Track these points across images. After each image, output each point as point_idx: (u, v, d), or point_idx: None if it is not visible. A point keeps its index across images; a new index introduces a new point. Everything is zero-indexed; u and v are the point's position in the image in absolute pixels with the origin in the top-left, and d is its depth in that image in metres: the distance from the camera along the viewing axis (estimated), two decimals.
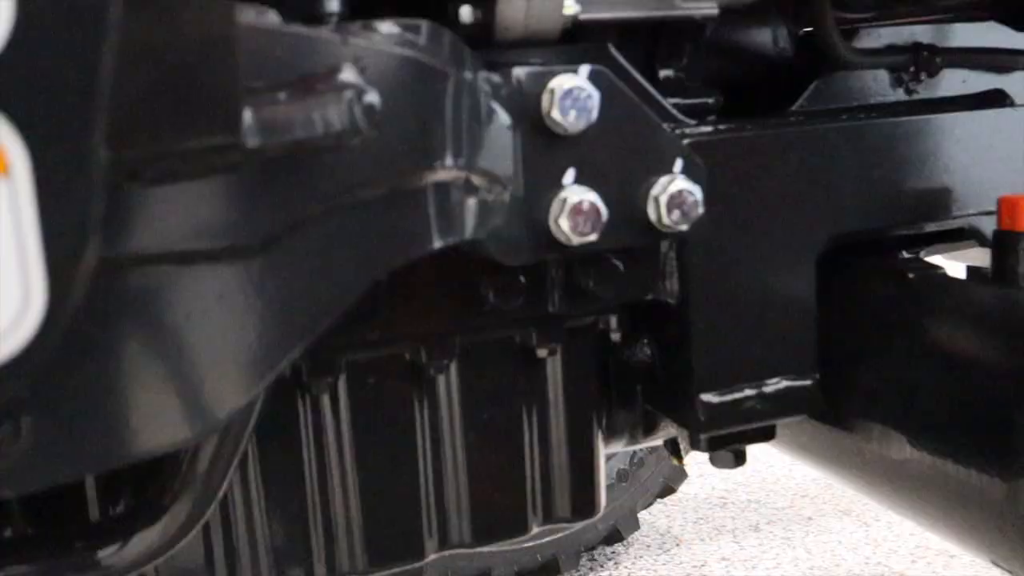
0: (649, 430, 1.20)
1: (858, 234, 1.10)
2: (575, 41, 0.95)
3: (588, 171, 0.91)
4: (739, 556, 3.24)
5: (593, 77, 0.89)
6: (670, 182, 0.92)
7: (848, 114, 1.08)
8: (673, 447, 1.33)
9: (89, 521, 0.97)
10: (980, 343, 1.00)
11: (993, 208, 1.10)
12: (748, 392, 1.06)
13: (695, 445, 1.11)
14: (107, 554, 0.85)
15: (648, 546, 3.35)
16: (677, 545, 3.35)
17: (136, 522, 0.87)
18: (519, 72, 0.88)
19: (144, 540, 0.86)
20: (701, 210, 0.93)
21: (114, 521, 0.93)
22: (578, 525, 2.07)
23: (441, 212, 0.82)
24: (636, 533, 3.23)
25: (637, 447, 1.36)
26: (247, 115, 0.63)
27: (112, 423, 0.64)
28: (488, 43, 0.91)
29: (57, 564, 0.84)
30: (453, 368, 1.05)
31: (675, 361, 1.09)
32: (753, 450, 1.17)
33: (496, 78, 0.87)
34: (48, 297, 0.55)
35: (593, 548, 3.15)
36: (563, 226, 0.89)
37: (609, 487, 2.99)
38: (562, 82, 0.87)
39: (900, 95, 1.20)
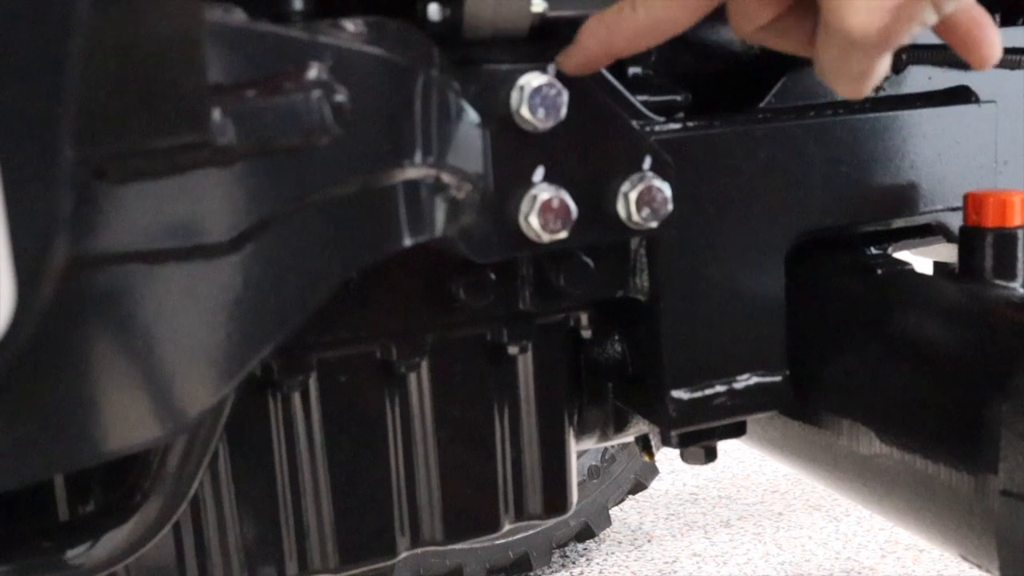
0: (620, 427, 1.20)
1: (826, 230, 1.11)
2: (543, 38, 0.95)
3: (557, 169, 0.91)
4: (710, 552, 3.26)
5: (562, 75, 0.89)
6: (639, 179, 0.93)
7: (815, 111, 1.09)
8: (644, 443, 1.33)
9: (58, 520, 0.97)
10: (947, 338, 1.01)
11: (960, 204, 1.11)
12: (718, 388, 1.07)
13: (666, 441, 1.12)
14: (76, 554, 0.85)
15: (620, 542, 3.35)
16: (648, 541, 3.36)
17: (106, 521, 0.86)
18: (488, 70, 0.88)
19: (114, 539, 0.86)
20: (670, 207, 0.94)
21: (83, 520, 0.92)
22: (550, 522, 2.07)
23: (411, 210, 0.82)
24: (608, 529, 3.23)
25: (608, 444, 1.36)
26: (215, 113, 0.63)
27: (82, 423, 0.64)
28: (456, 41, 0.91)
29: (25, 564, 0.83)
30: (424, 366, 1.05)
31: (645, 358, 1.09)
32: (724, 446, 1.17)
33: (465, 76, 0.87)
34: (16, 297, 0.55)
35: (565, 544, 3.15)
36: (533, 224, 0.89)
37: (581, 484, 2.99)
38: (531, 80, 0.87)
39: None
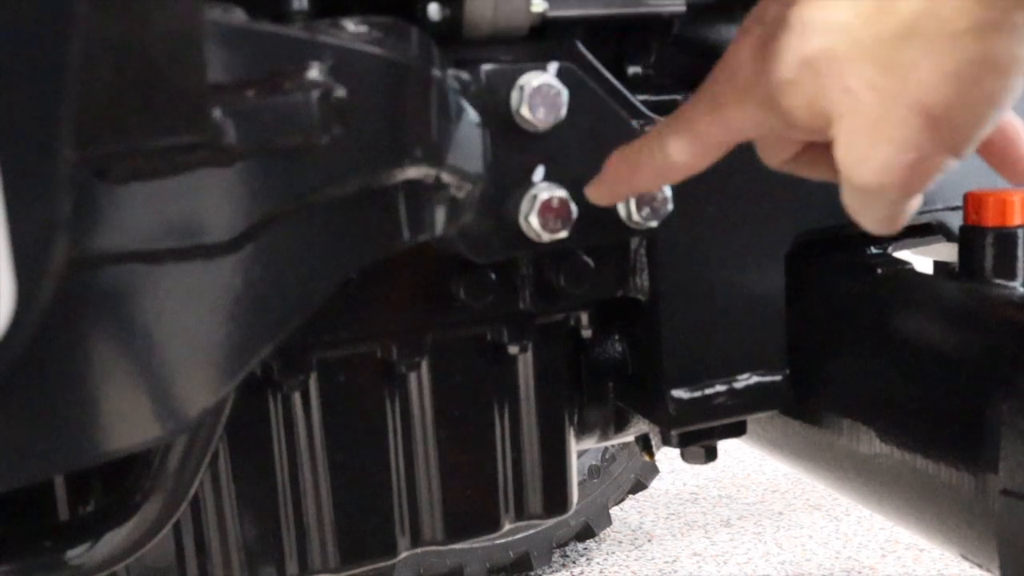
0: (620, 426, 1.20)
1: (826, 230, 1.11)
2: (543, 38, 0.95)
3: (557, 168, 0.91)
4: (710, 551, 3.25)
5: (562, 74, 0.89)
6: None
7: None
8: (644, 443, 1.33)
9: (58, 520, 0.97)
10: (947, 337, 1.01)
11: (960, 203, 1.10)
12: (719, 388, 1.07)
13: (666, 441, 1.12)
14: (76, 554, 0.85)
15: (620, 542, 3.35)
16: (649, 541, 3.36)
17: (106, 521, 0.86)
18: (488, 69, 0.88)
19: (114, 539, 0.85)
20: (670, 207, 0.94)
21: (84, 520, 0.92)
22: (550, 521, 2.08)
23: (411, 210, 0.82)
24: (608, 529, 3.23)
25: (609, 443, 1.36)
26: (215, 113, 0.63)
27: (82, 422, 0.64)
28: (456, 40, 0.91)
29: (25, 564, 0.83)
30: (424, 365, 1.05)
31: (645, 357, 1.09)
32: (724, 446, 1.17)
33: (465, 75, 0.87)
34: (16, 297, 0.55)
35: (565, 544, 3.15)
36: (533, 223, 0.89)
37: (581, 483, 2.99)
38: (531, 79, 0.87)
39: None
